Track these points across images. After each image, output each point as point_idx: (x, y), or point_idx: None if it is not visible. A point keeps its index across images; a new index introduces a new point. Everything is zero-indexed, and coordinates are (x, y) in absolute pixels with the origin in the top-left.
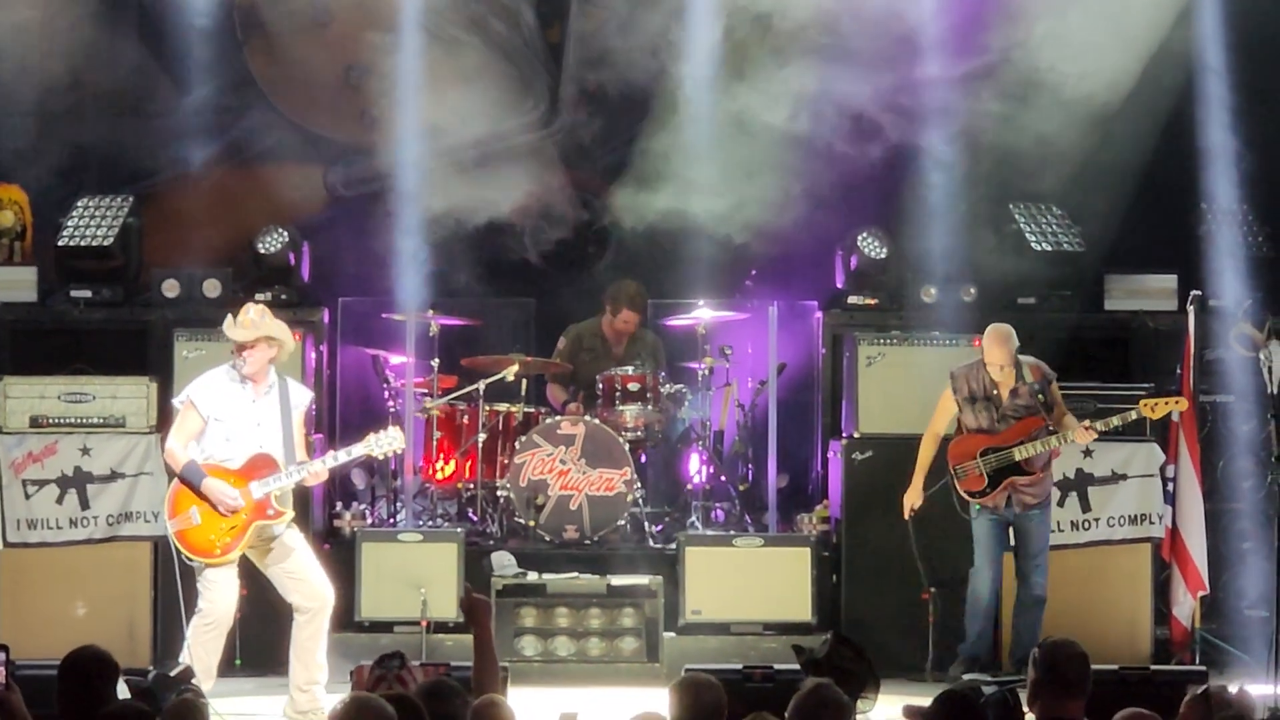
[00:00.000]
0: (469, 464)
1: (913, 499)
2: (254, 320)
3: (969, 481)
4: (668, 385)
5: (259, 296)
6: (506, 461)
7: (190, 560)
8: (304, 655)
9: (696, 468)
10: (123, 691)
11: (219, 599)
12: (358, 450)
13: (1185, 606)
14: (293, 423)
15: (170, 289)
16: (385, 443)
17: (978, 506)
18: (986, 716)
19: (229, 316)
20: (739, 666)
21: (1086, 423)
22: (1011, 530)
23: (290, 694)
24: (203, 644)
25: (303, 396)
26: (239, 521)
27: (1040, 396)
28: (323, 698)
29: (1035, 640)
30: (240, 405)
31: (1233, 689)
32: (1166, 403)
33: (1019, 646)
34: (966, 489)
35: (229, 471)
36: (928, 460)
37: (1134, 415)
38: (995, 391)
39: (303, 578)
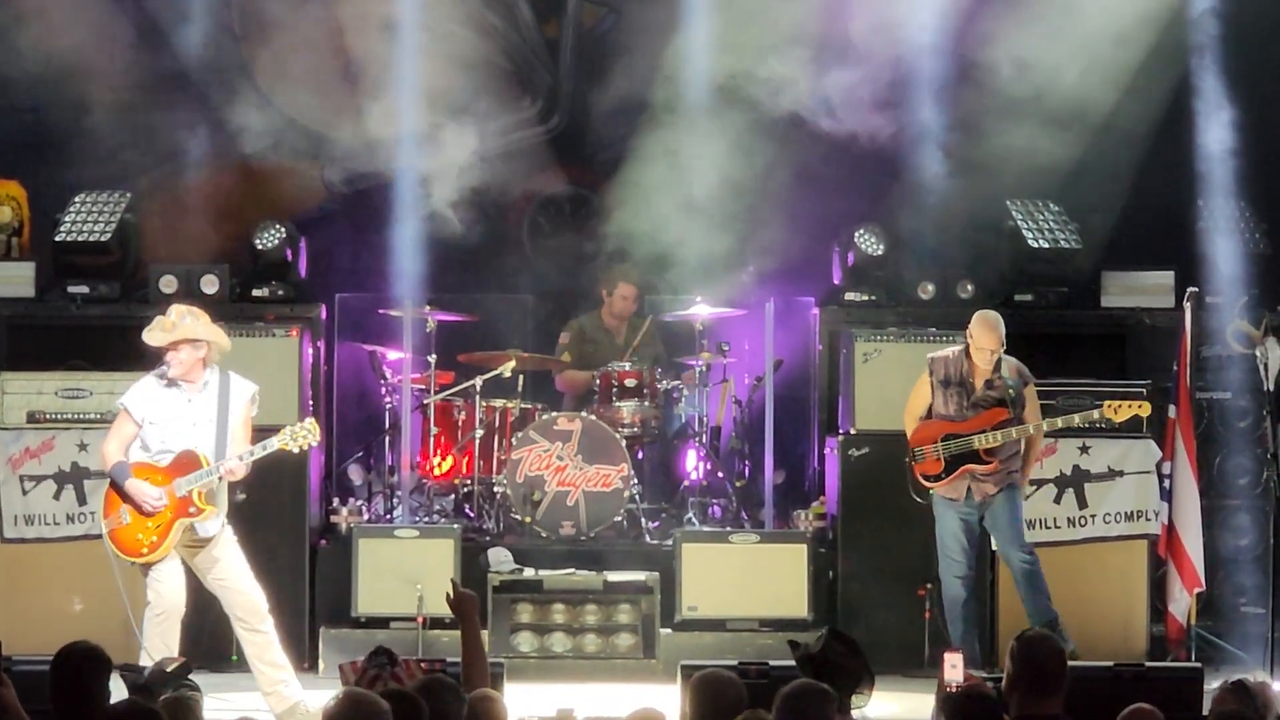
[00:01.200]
0: (466, 460)
1: (914, 489)
2: (174, 323)
3: (926, 465)
4: (665, 381)
5: (256, 292)
6: (503, 457)
7: (120, 559)
8: (256, 662)
9: (693, 464)
10: (118, 686)
11: (165, 591)
12: (273, 444)
13: (1181, 603)
14: (229, 419)
15: (168, 285)
16: (301, 436)
17: (932, 493)
18: (1000, 715)
19: (156, 317)
20: (734, 663)
21: (1045, 421)
22: (984, 523)
23: (265, 700)
24: (158, 635)
25: (244, 390)
26: (164, 520)
27: (1012, 392)
28: (295, 694)
29: (1048, 601)
30: (173, 407)
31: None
32: (1130, 405)
33: (1038, 618)
34: (923, 472)
35: (156, 470)
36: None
37: (1095, 415)
38: (970, 380)
39: (232, 586)
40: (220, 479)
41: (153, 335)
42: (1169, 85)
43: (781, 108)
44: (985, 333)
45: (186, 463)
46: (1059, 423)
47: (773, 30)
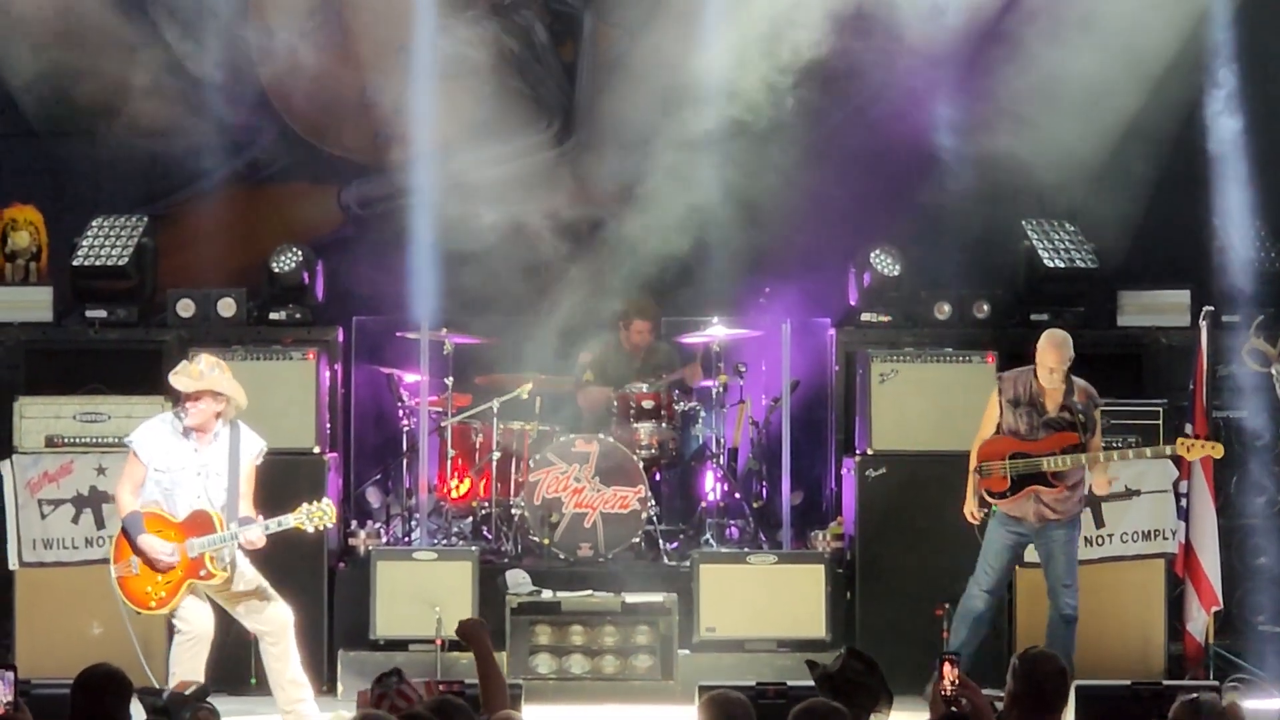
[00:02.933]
0: (483, 482)
1: (970, 507)
2: (202, 371)
3: (992, 481)
4: (682, 403)
5: (273, 315)
6: (521, 479)
7: (126, 606)
8: (276, 678)
9: (710, 485)
10: (137, 710)
11: (193, 618)
12: (288, 521)
13: (1198, 622)
14: (240, 473)
15: (185, 309)
16: (317, 517)
17: (995, 509)
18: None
19: (182, 362)
20: (753, 683)
21: (1110, 476)
22: (1035, 548)
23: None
24: (188, 660)
25: (253, 445)
26: (174, 578)
27: (1082, 416)
28: (312, 714)
29: (1071, 654)
30: (181, 455)
31: (1225, 699)
32: (1203, 445)
33: None
34: (988, 488)
35: (170, 524)
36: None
37: (1168, 451)
38: (1041, 400)
39: (254, 604)
40: (239, 546)
41: (178, 380)
42: (1185, 104)
43: (796, 129)
44: (1046, 349)
45: (201, 522)
46: (1130, 455)
47: (788, 51)
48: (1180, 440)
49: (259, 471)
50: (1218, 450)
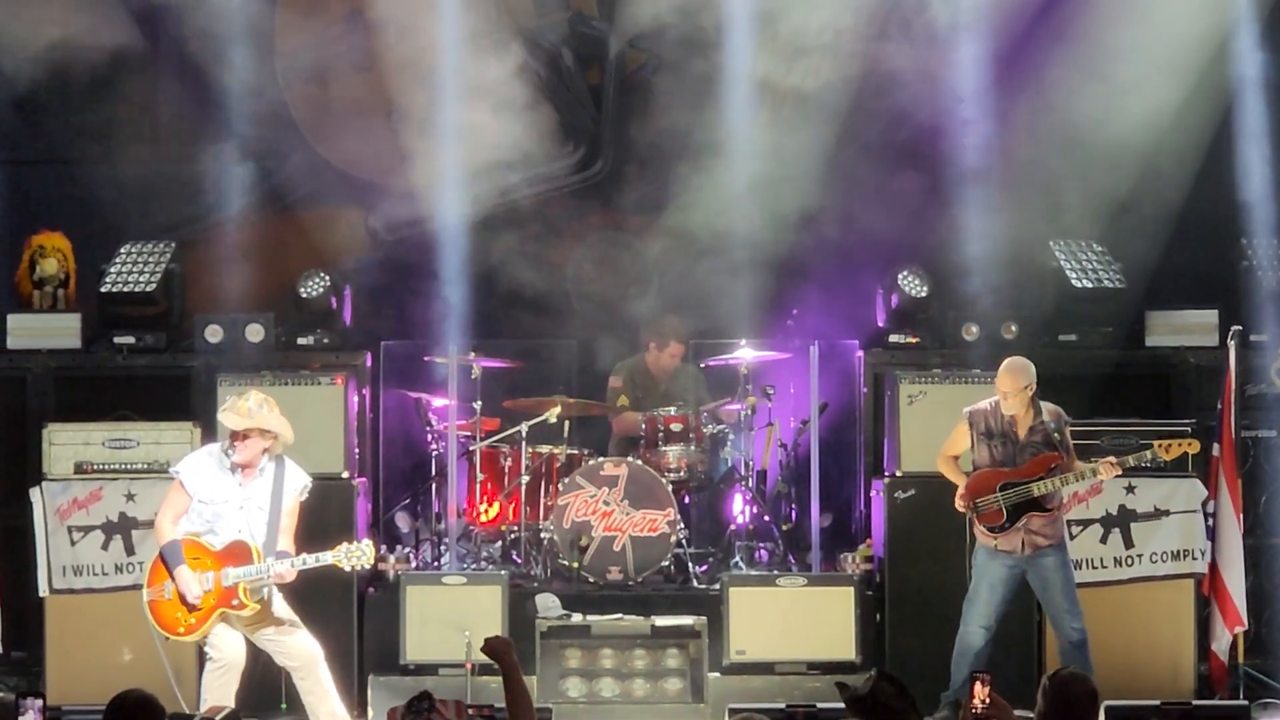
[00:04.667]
0: (512, 506)
1: (961, 504)
2: (251, 409)
3: (989, 516)
4: (710, 425)
5: (301, 340)
6: (550, 503)
7: (157, 630)
8: (313, 709)
9: (739, 508)
10: None
11: (224, 646)
12: (326, 558)
13: (1223, 642)
14: (282, 507)
15: (213, 334)
16: (355, 556)
17: (994, 543)
18: None
19: (231, 398)
20: (783, 705)
21: (1111, 458)
22: (1028, 578)
23: None
24: (219, 687)
25: (298, 480)
26: (206, 606)
27: (1057, 435)
28: None
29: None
30: (226, 489)
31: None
32: (1180, 444)
33: None
34: (986, 524)
35: (208, 553)
36: (954, 470)
37: (1149, 455)
38: (1013, 429)
39: (282, 639)
40: (270, 579)
41: (227, 418)
42: (1212, 123)
43: (822, 151)
44: (999, 377)
45: (238, 553)
46: (1118, 470)
47: (813, 73)
48: (1157, 443)
49: (301, 507)
50: (1194, 446)
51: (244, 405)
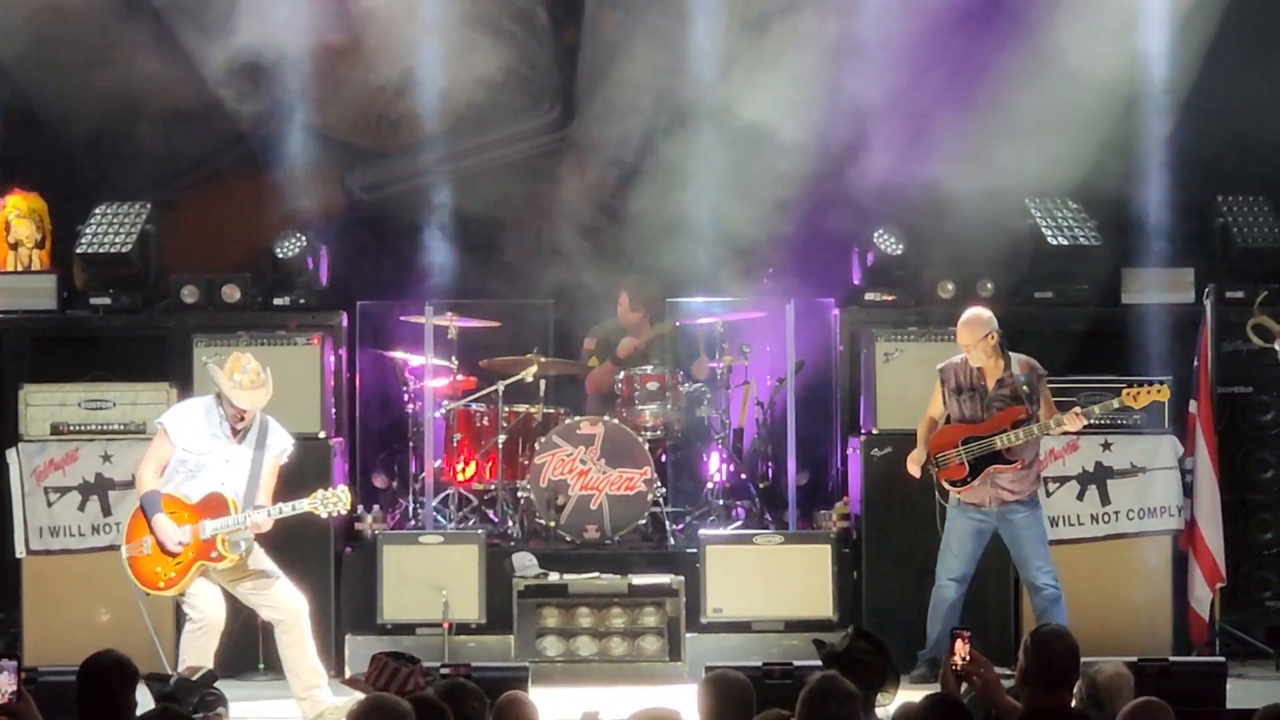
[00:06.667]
0: (489, 465)
1: (913, 468)
2: (265, 379)
3: (950, 470)
4: (687, 384)
5: (277, 301)
6: (526, 462)
7: (136, 586)
8: (292, 665)
9: (716, 466)
10: (144, 696)
11: (204, 605)
12: (302, 505)
13: (1203, 598)
14: (263, 464)
15: (189, 295)
16: (331, 502)
17: (958, 498)
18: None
19: (239, 375)
20: (759, 664)
21: (1076, 409)
22: (1000, 533)
23: (298, 706)
24: (198, 648)
25: (281, 440)
26: (185, 558)
27: (1026, 389)
28: (328, 699)
29: None
30: (214, 442)
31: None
32: (1148, 391)
33: None
34: (948, 478)
35: (185, 506)
36: (925, 435)
37: (1115, 404)
38: (982, 383)
39: (267, 592)
40: (247, 529)
41: (257, 396)
42: (1187, 80)
43: (796, 110)
44: (959, 332)
45: (215, 505)
46: (1084, 420)
47: (783, 32)
48: (1125, 390)
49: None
50: (1163, 393)
51: (258, 377)
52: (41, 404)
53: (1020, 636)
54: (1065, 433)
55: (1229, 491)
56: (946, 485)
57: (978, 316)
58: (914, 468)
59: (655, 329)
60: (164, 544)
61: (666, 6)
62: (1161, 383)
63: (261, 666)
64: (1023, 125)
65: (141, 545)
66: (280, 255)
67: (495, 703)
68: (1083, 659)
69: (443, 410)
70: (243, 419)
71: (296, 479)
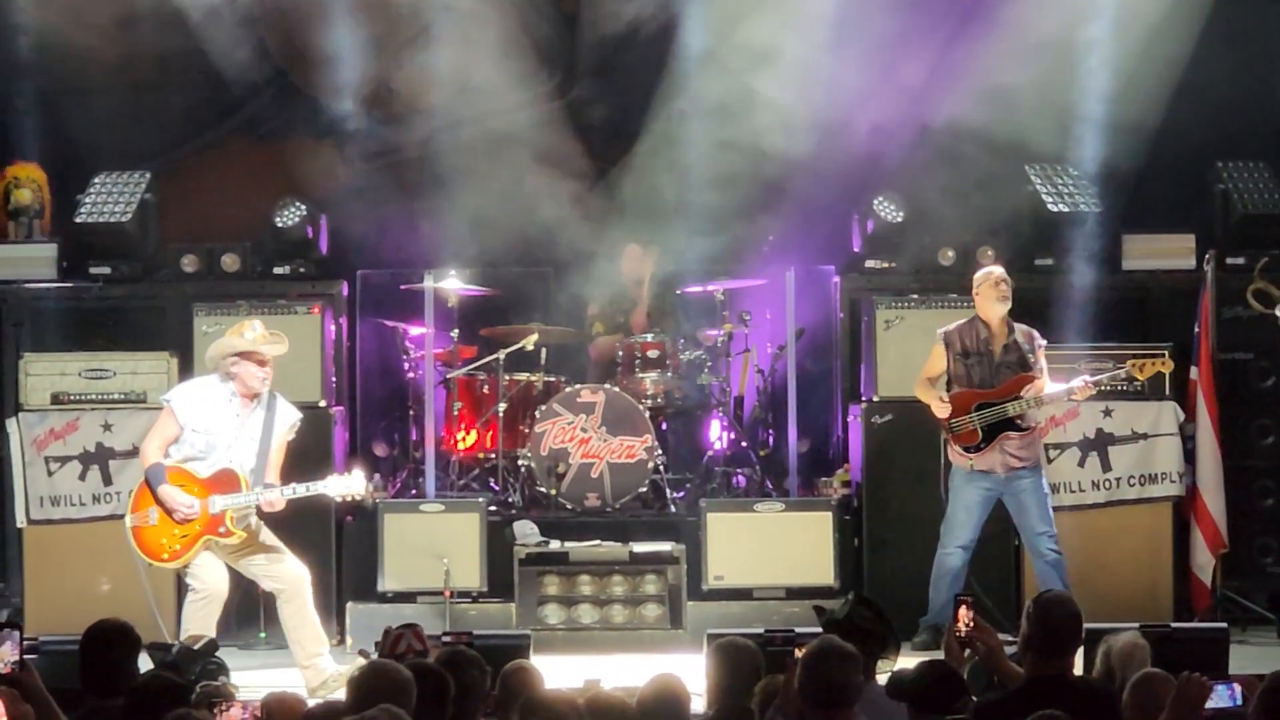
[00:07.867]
0: (490, 434)
1: (940, 410)
2: (278, 335)
3: (964, 437)
4: (688, 352)
5: (277, 270)
6: (527, 431)
7: (139, 557)
8: (294, 634)
9: (717, 434)
10: (146, 664)
11: (207, 576)
12: (316, 487)
13: (1206, 565)
14: (272, 441)
15: (189, 264)
16: (345, 485)
17: (971, 464)
18: (967, 685)
19: (250, 333)
20: (761, 631)
21: (1086, 377)
22: (1004, 500)
23: (300, 674)
24: (200, 619)
25: (289, 416)
26: (191, 532)
27: (1030, 356)
28: (330, 667)
29: None
30: (224, 418)
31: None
32: (1153, 363)
33: None
34: (962, 444)
35: (194, 480)
36: (931, 394)
37: (1122, 374)
38: (989, 346)
39: (269, 565)
40: (258, 507)
41: (279, 346)
42: (1187, 45)
43: (796, 78)
44: (980, 283)
45: (226, 480)
46: (1093, 390)
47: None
48: (1131, 362)
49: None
50: (1168, 365)
51: (268, 334)
52: (42, 373)
53: (1022, 603)
54: (1074, 401)
55: (1230, 457)
56: (959, 451)
57: (988, 273)
58: (941, 409)
59: (656, 290)
60: (173, 510)
61: None
62: (1165, 353)
63: (263, 635)
64: (1022, 92)
65: (148, 516)
66: (280, 224)
67: (501, 672)
68: (1097, 626)
69: (443, 379)
70: (255, 396)
71: (298, 448)
